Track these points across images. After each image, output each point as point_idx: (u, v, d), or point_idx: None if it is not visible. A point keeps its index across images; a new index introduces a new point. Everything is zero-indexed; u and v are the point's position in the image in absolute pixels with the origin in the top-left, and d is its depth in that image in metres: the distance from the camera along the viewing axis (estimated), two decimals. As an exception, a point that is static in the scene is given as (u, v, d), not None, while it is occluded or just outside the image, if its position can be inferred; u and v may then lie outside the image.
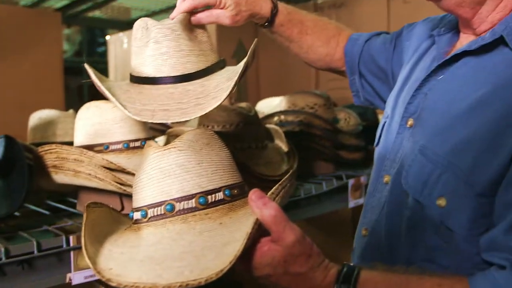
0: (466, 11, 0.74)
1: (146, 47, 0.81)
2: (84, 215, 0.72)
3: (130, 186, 0.95)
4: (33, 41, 2.09)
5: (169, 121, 0.71)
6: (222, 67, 0.86)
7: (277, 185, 0.69)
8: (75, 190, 1.08)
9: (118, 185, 0.94)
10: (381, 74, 1.07)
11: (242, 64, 0.76)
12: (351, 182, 1.42)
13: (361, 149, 1.58)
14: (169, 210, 0.67)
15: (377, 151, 0.93)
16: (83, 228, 0.69)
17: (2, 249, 0.80)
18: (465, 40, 0.79)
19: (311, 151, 1.44)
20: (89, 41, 3.98)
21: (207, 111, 0.70)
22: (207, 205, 0.68)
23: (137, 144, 1.02)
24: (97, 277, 0.62)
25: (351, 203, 1.43)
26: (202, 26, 0.89)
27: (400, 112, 0.83)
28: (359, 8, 2.27)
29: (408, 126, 0.80)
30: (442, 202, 0.68)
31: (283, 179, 0.72)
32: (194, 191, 0.68)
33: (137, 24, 0.85)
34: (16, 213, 1.02)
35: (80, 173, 0.95)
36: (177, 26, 0.82)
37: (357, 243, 0.90)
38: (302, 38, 1.08)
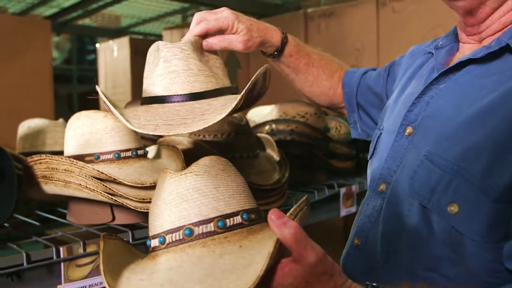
0: (486, 10, 0.74)
1: (156, 66, 0.81)
2: (101, 245, 0.72)
3: (121, 196, 0.95)
4: (22, 49, 2.08)
5: (170, 133, 0.70)
6: (233, 93, 0.86)
7: (295, 207, 0.68)
8: (66, 201, 1.07)
9: (109, 196, 0.93)
10: (377, 101, 1.08)
11: (249, 84, 0.75)
12: (342, 190, 1.42)
13: (352, 158, 1.59)
14: (188, 234, 0.67)
15: (372, 162, 0.93)
16: (100, 258, 0.69)
17: (-9, 261, 0.79)
18: (466, 50, 0.80)
19: (302, 159, 1.44)
20: (78, 49, 3.97)
21: (209, 124, 0.70)
22: (226, 229, 0.67)
23: (128, 154, 1.01)
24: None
25: (343, 212, 1.43)
26: (215, 52, 0.89)
27: (397, 122, 0.83)
28: (349, 17, 2.29)
29: (406, 134, 0.80)
30: (454, 208, 0.67)
31: (301, 201, 0.71)
32: (212, 215, 0.67)
33: (150, 49, 0.85)
34: (5, 224, 1.01)
35: (71, 184, 0.94)
36: (187, 46, 0.82)
37: (348, 254, 0.89)
38: (309, 70, 1.09)
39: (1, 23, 2.09)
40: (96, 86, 0.78)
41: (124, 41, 3.37)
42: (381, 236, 0.78)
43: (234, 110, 0.73)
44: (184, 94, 0.80)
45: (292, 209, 0.66)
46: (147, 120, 0.73)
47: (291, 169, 1.28)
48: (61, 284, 0.87)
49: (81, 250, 0.89)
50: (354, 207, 1.46)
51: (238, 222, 0.68)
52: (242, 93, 0.72)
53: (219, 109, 0.74)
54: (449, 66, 0.77)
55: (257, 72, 0.77)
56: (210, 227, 0.67)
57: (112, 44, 3.39)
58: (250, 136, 1.29)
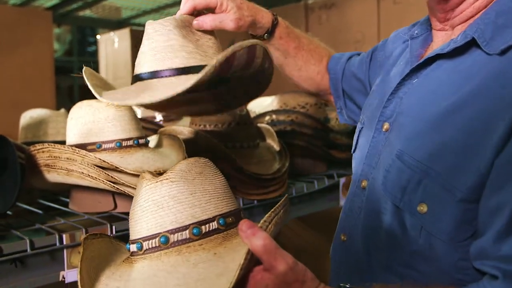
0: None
1: (142, 44, 0.81)
2: (82, 249, 0.73)
3: (123, 184, 0.96)
4: (24, 40, 2.08)
5: (153, 100, 0.68)
6: None
7: (270, 212, 0.68)
8: (68, 189, 1.08)
9: (111, 184, 0.94)
10: (361, 87, 1.08)
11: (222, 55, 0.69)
12: (342, 180, 1.43)
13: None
14: (164, 242, 0.67)
15: (354, 156, 0.92)
16: (79, 263, 0.69)
17: (-5, 248, 0.80)
18: (439, 39, 0.79)
19: (302, 150, 1.45)
20: (79, 41, 3.97)
21: (192, 83, 0.66)
22: (201, 236, 0.67)
23: (130, 143, 1.02)
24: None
25: (342, 201, 1.44)
26: (209, 32, 0.87)
27: (376, 117, 0.82)
28: (350, 8, 2.29)
29: (384, 130, 0.79)
30: (423, 208, 0.68)
31: (276, 206, 0.70)
32: (187, 222, 0.67)
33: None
34: (8, 212, 1.02)
35: (73, 172, 0.95)
36: (169, 22, 0.81)
37: (335, 249, 0.88)
38: (298, 54, 1.08)
39: (2, 14, 2.09)
40: (83, 70, 0.78)
41: (125, 32, 3.37)
42: (362, 233, 0.79)
43: (205, 84, 0.73)
44: (162, 70, 0.78)
45: (266, 216, 0.66)
46: (123, 93, 0.74)
47: (291, 159, 1.29)
48: (64, 270, 0.88)
49: (83, 237, 0.90)
50: (353, 197, 1.47)
51: (214, 228, 0.68)
52: (211, 64, 0.66)
53: (184, 83, 0.69)
54: (419, 61, 0.76)
55: (238, 44, 0.72)
56: (186, 234, 0.67)
57: (112, 35, 3.39)
58: (250, 126, 1.29)
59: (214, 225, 0.68)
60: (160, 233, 0.67)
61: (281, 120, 1.46)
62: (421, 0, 0.80)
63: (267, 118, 1.50)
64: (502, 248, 0.59)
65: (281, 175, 1.24)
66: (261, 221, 0.64)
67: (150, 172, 0.74)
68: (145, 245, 0.68)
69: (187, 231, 0.67)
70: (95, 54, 3.88)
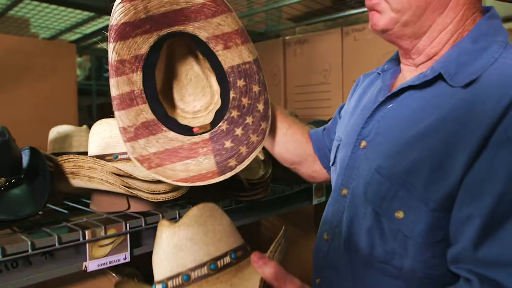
0: (406, 43, 0.73)
1: None
2: None
3: (136, 189, 0.94)
4: (52, 68, 2.05)
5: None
6: None
7: (274, 244, 0.66)
8: (89, 192, 1.07)
9: (126, 188, 0.93)
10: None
11: None
12: (314, 184, 1.43)
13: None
14: (186, 279, 0.64)
15: (333, 169, 0.90)
16: None
17: (29, 243, 0.78)
18: (406, 72, 0.78)
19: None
20: (97, 68, 3.92)
21: None
22: (218, 270, 0.65)
23: (141, 154, 1.01)
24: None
25: (315, 201, 1.45)
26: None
27: (354, 136, 0.80)
28: (319, 43, 2.30)
29: (361, 147, 0.77)
30: (400, 214, 0.66)
31: (278, 238, 0.68)
32: (205, 260, 0.65)
33: None
34: (40, 212, 1.00)
35: (94, 179, 0.94)
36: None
37: (319, 247, 0.86)
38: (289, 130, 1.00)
39: (35, 46, 2.07)
40: None
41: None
42: (345, 233, 0.77)
43: None
44: None
45: (272, 246, 0.64)
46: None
47: (273, 166, 1.29)
48: (86, 261, 0.86)
49: (102, 233, 0.88)
50: (324, 197, 1.47)
51: (227, 262, 0.66)
52: None
53: None
54: (393, 91, 0.75)
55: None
56: (204, 270, 0.64)
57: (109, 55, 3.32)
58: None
59: (227, 259, 0.66)
60: (182, 272, 0.64)
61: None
62: (375, 38, 0.79)
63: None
64: (477, 254, 0.58)
65: (265, 180, 1.23)
66: (268, 252, 0.62)
67: (167, 220, 0.73)
68: (170, 283, 0.65)
69: (205, 267, 0.64)
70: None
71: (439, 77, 0.68)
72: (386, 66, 0.86)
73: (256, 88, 0.76)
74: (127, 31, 0.70)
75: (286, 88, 2.44)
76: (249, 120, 0.76)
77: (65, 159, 0.97)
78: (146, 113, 0.74)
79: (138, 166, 0.76)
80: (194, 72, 0.82)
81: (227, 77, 0.76)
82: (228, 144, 0.75)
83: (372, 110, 0.77)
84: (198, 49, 0.77)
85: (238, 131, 0.75)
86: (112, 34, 0.70)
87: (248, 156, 0.75)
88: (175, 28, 0.72)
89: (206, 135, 0.75)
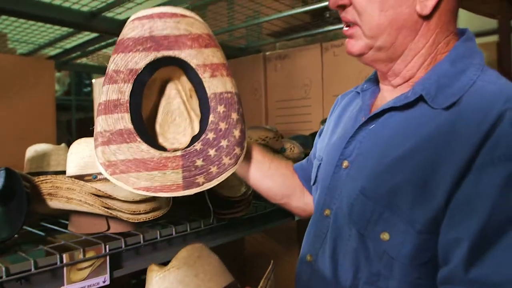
0: (382, 66, 0.75)
1: None
2: None
3: (115, 209, 0.93)
4: (30, 84, 2.02)
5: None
6: None
7: (263, 279, 0.66)
8: (67, 213, 1.04)
9: (105, 209, 0.91)
10: None
11: None
12: (296, 199, 1.43)
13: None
14: None
15: (315, 188, 0.89)
16: None
17: (3, 268, 0.76)
18: (386, 92, 0.79)
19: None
20: (76, 83, 3.87)
21: None
22: None
23: (121, 173, 0.99)
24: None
25: (297, 217, 1.44)
26: None
27: (335, 155, 0.79)
28: (299, 59, 2.32)
29: (343, 167, 0.77)
30: (385, 236, 0.65)
31: (267, 273, 0.67)
32: None
33: None
34: (15, 235, 0.97)
35: (72, 200, 0.91)
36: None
37: (301, 269, 0.83)
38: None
39: (12, 63, 2.03)
40: None
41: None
42: (329, 254, 0.75)
43: None
44: None
45: (261, 282, 0.64)
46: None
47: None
48: (64, 285, 0.83)
49: (81, 256, 0.86)
50: (306, 213, 1.47)
51: None
52: None
53: None
54: (374, 111, 0.75)
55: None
56: None
57: (109, 64, 3.28)
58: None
59: None
60: None
61: (246, 151, 1.45)
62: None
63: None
64: (468, 275, 0.57)
65: (247, 197, 1.23)
66: (258, 287, 0.62)
67: (157, 265, 0.72)
68: None
69: None
70: (90, 93, 3.80)
71: (420, 99, 0.69)
72: (365, 85, 0.86)
73: (234, 116, 0.80)
74: (129, 46, 0.77)
75: (267, 103, 2.46)
76: (223, 143, 0.78)
77: (42, 180, 0.95)
78: (126, 122, 0.77)
79: (102, 171, 0.77)
80: (180, 113, 0.86)
81: (209, 102, 0.79)
82: (199, 162, 0.77)
83: (354, 130, 0.77)
84: (187, 75, 0.82)
85: (211, 152, 0.78)
86: (117, 47, 0.78)
87: (218, 177, 0.77)
88: (171, 52, 0.78)
89: (178, 152, 0.78)
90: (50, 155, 1.28)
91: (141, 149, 0.76)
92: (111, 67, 0.77)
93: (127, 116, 0.76)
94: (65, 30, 2.23)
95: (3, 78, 1.92)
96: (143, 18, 0.77)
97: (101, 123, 0.76)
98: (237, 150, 0.79)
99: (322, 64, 2.24)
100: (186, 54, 0.78)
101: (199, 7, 2.11)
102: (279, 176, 0.96)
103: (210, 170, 0.77)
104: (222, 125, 0.78)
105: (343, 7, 0.73)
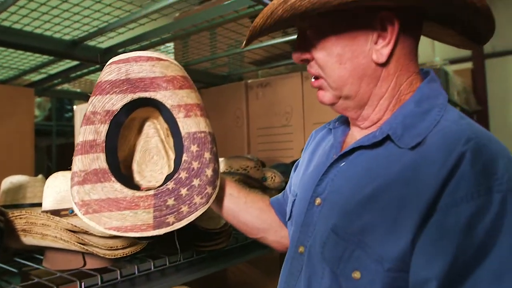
0: (352, 113, 0.77)
1: None
2: None
3: (91, 245, 0.91)
4: (8, 113, 1.99)
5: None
6: None
7: None
8: (42, 248, 1.01)
9: (81, 246, 0.89)
10: None
11: None
12: (277, 229, 1.42)
13: (284, 202, 1.60)
14: None
15: (290, 224, 0.89)
16: None
17: (-29, 311, 0.73)
18: (355, 131, 0.80)
19: (245, 205, 1.44)
20: (57, 108, 3.82)
21: None
22: None
23: (99, 207, 0.97)
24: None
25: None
26: None
27: (309, 192, 0.80)
28: (281, 87, 2.36)
29: (316, 204, 0.77)
30: (357, 275, 0.65)
31: None
32: None
33: None
34: (-14, 273, 0.94)
35: (47, 236, 0.89)
36: None
37: None
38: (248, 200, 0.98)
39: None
40: None
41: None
42: None
43: None
44: None
45: None
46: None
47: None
48: (36, 327, 0.80)
49: None
50: (287, 243, 1.46)
51: None
52: None
53: None
54: (344, 150, 0.77)
55: None
56: None
57: (87, 105, 3.26)
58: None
59: None
60: None
61: (227, 181, 1.45)
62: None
63: (215, 179, 1.48)
64: None
65: (227, 228, 1.22)
66: None
67: None
68: None
69: None
70: (71, 119, 3.75)
71: (388, 138, 0.70)
72: (336, 123, 0.88)
73: (207, 155, 0.81)
74: (106, 88, 0.79)
75: (249, 130, 2.47)
76: (195, 182, 0.79)
77: (17, 216, 0.92)
78: (101, 162, 0.79)
79: (76, 211, 0.77)
80: (158, 151, 0.88)
81: (183, 141, 0.80)
82: (170, 201, 0.78)
83: (326, 168, 0.78)
84: (162, 115, 0.84)
85: (183, 191, 0.79)
86: (95, 89, 0.80)
87: (188, 216, 0.78)
88: (147, 94, 0.81)
89: (151, 192, 0.79)
90: (26, 187, 1.26)
91: (115, 188, 0.76)
92: (89, 108, 0.80)
93: (102, 156, 0.78)
94: (46, 57, 2.22)
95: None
96: (119, 61, 0.80)
97: (77, 163, 0.77)
98: (209, 189, 0.80)
99: (303, 92, 2.27)
100: (161, 95, 0.81)
101: (182, 37, 2.13)
102: (255, 210, 0.96)
103: (181, 210, 0.77)
104: (195, 164, 0.80)
105: (307, 61, 0.76)
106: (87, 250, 0.89)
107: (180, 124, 0.81)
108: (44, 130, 3.64)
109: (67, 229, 0.89)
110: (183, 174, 0.79)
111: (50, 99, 3.70)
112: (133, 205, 0.76)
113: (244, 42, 0.75)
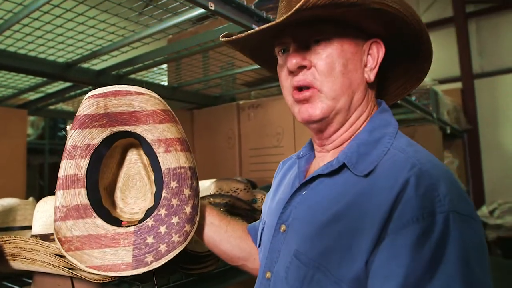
0: (331, 130, 0.79)
1: None
2: None
3: (81, 270, 0.91)
4: (1, 133, 2.00)
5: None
6: None
7: None
8: (31, 272, 1.02)
9: (69, 270, 0.89)
10: None
11: None
12: (266, 251, 1.42)
13: (274, 223, 1.61)
14: None
15: (260, 250, 0.92)
16: None
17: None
18: (319, 159, 0.84)
19: (234, 227, 1.45)
20: (50, 126, 3.84)
21: None
22: None
23: (88, 232, 0.98)
24: None
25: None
26: None
27: (274, 219, 0.83)
28: (272, 108, 2.39)
29: (281, 231, 0.80)
30: None
31: None
32: None
33: None
34: (-26, 298, 0.94)
35: (36, 261, 0.90)
36: None
37: None
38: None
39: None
40: None
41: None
42: None
43: None
44: None
45: None
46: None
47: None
48: None
49: None
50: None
51: None
52: None
53: None
54: (306, 178, 0.79)
55: None
56: None
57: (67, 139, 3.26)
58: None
59: None
60: None
61: (217, 203, 1.46)
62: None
63: (205, 201, 1.48)
64: None
65: (216, 251, 1.22)
66: None
67: None
68: None
69: None
70: (64, 138, 3.75)
71: (343, 166, 0.74)
72: (301, 152, 0.91)
73: (187, 192, 0.82)
74: (86, 122, 0.79)
75: (241, 151, 2.49)
76: (174, 220, 0.81)
77: (6, 240, 0.93)
78: (82, 197, 0.80)
79: (58, 246, 0.80)
80: (140, 177, 0.89)
81: (163, 177, 0.81)
82: (149, 239, 0.79)
83: (290, 196, 0.81)
84: (143, 149, 0.85)
85: (162, 229, 0.80)
86: (74, 123, 0.80)
87: (167, 255, 0.79)
88: (126, 128, 0.82)
89: (131, 228, 0.80)
90: (17, 210, 1.26)
91: (96, 224, 0.78)
92: (69, 142, 0.80)
93: (83, 191, 0.79)
94: (40, 79, 2.24)
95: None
96: (98, 96, 0.80)
97: (59, 198, 0.79)
98: (187, 227, 0.81)
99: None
100: (141, 129, 0.82)
101: (175, 59, 2.17)
102: (235, 238, 0.98)
103: (159, 248, 0.79)
104: (174, 201, 0.81)
105: (302, 68, 0.77)
106: (75, 275, 0.89)
107: (160, 159, 0.82)
108: (37, 148, 3.65)
109: (55, 254, 0.90)
110: (162, 211, 0.80)
111: (43, 118, 3.72)
112: (114, 242, 0.77)
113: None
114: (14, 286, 1.06)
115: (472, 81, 6.03)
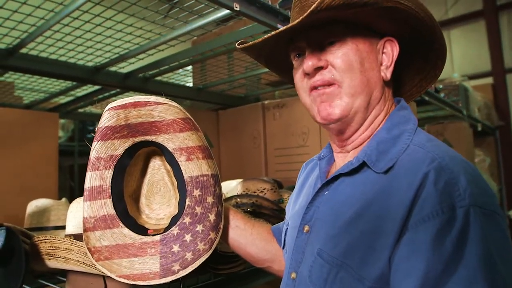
0: (351, 130, 0.79)
1: None
2: None
3: (112, 269, 0.93)
4: (33, 136, 2.07)
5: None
6: None
7: None
8: (65, 271, 1.05)
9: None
10: None
11: None
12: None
13: (301, 223, 1.60)
14: None
15: (284, 252, 0.92)
16: None
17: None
18: (339, 160, 0.84)
19: (261, 227, 1.45)
20: (80, 129, 3.94)
21: None
22: None
23: (119, 231, 1.01)
24: None
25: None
26: None
27: (298, 221, 0.83)
28: (297, 107, 2.38)
29: (305, 231, 0.81)
30: None
31: None
32: None
33: None
34: (12, 295, 0.97)
35: (70, 260, 0.93)
36: None
37: None
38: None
39: (16, 116, 2.10)
40: None
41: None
42: None
43: None
44: None
45: None
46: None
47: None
48: None
49: None
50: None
51: None
52: None
53: None
54: (327, 178, 0.80)
55: None
56: None
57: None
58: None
59: None
60: None
61: (244, 203, 1.47)
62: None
63: (232, 201, 1.50)
64: None
65: (244, 251, 1.23)
66: None
67: None
68: None
69: None
70: (92, 140, 3.85)
71: (364, 164, 0.74)
72: (322, 154, 0.92)
73: (210, 199, 0.83)
74: (108, 134, 0.81)
75: (267, 151, 2.49)
76: (199, 228, 0.82)
77: (42, 240, 0.97)
78: (108, 208, 0.82)
79: (89, 256, 0.82)
80: (164, 183, 0.90)
81: (186, 185, 0.83)
82: (175, 248, 0.80)
83: (312, 197, 0.82)
84: (165, 157, 0.86)
85: (187, 237, 0.81)
86: (96, 135, 0.82)
87: (193, 263, 0.80)
88: (147, 137, 0.83)
89: (157, 237, 0.81)
90: (50, 210, 1.31)
91: (123, 234, 0.80)
92: (92, 154, 0.82)
93: (109, 202, 0.81)
94: (70, 83, 2.31)
95: (7, 131, 1.97)
96: (118, 107, 0.81)
97: (86, 209, 0.81)
98: (212, 235, 0.82)
99: (319, 113, 2.28)
100: (162, 139, 0.83)
101: (200, 60, 2.20)
102: (260, 241, 0.99)
103: (186, 257, 0.80)
104: (198, 209, 0.82)
105: (319, 68, 0.77)
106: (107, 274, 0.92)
107: (182, 168, 0.83)
108: (67, 150, 3.75)
109: (89, 253, 0.93)
110: (187, 219, 0.82)
111: (73, 120, 3.83)
112: (141, 251, 0.79)
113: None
114: (50, 284, 1.10)
115: (504, 76, 5.85)
